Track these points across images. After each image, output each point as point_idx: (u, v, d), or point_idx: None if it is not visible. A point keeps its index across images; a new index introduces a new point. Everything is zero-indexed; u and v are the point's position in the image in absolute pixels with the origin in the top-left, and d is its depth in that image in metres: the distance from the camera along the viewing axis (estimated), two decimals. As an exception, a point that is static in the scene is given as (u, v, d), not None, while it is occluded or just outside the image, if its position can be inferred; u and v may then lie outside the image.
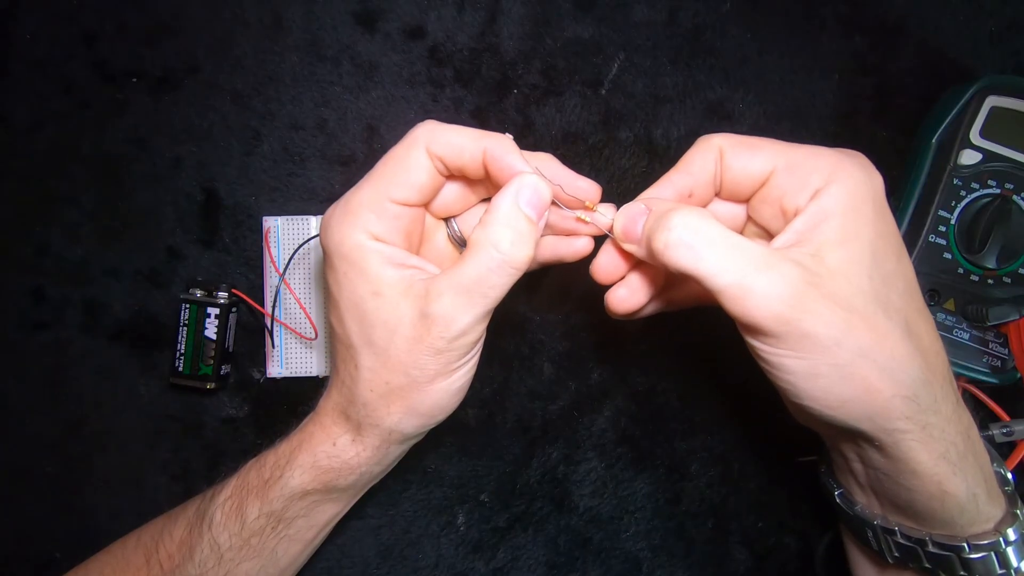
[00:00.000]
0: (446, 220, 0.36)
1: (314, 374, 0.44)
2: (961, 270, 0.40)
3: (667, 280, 0.34)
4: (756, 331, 0.27)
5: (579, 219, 0.34)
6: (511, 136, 0.32)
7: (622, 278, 0.34)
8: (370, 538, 0.44)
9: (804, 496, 0.44)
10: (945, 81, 0.43)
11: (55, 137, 0.44)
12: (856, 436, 0.29)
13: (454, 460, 0.45)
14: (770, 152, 0.31)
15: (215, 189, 0.44)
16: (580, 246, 0.35)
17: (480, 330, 0.32)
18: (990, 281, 0.40)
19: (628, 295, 0.34)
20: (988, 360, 0.40)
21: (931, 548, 0.30)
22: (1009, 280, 0.39)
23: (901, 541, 0.31)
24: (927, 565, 0.31)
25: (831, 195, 0.28)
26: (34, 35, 0.44)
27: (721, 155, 0.31)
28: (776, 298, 0.26)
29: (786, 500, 0.44)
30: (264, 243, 0.43)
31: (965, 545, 0.29)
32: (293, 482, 0.34)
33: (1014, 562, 0.29)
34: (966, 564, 0.29)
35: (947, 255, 0.40)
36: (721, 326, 0.44)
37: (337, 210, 0.32)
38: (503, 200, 0.30)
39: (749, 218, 0.34)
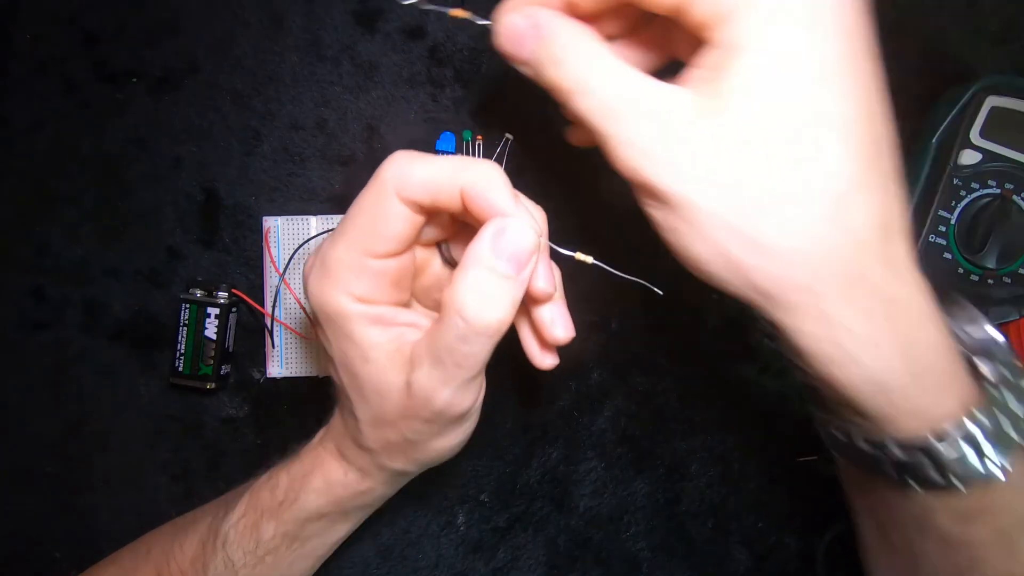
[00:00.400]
0: (437, 245, 0.33)
1: (314, 374, 0.44)
2: (961, 270, 0.40)
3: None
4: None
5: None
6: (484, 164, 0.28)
7: None
8: (370, 538, 0.44)
9: (804, 496, 0.44)
10: (945, 81, 0.43)
11: (55, 137, 0.44)
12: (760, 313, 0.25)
13: (454, 460, 0.44)
14: None
15: (215, 189, 0.44)
16: (559, 337, 0.32)
17: (468, 398, 0.29)
18: (990, 281, 0.40)
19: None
20: (988, 360, 0.40)
21: (869, 448, 0.25)
22: (1009, 280, 0.39)
23: (864, 447, 0.25)
24: (895, 475, 0.25)
25: (751, 18, 0.22)
26: (34, 35, 0.44)
27: None
28: (634, 150, 0.24)
29: (786, 500, 0.44)
30: (264, 243, 0.43)
31: (889, 441, 0.24)
32: (309, 506, 0.34)
33: (991, 453, 0.23)
34: (938, 464, 0.24)
35: (947, 255, 0.40)
36: (721, 325, 0.44)
37: (315, 270, 0.29)
38: (475, 254, 0.26)
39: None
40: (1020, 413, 0.24)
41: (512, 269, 0.26)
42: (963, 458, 0.23)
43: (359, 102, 0.44)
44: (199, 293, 0.42)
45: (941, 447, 0.23)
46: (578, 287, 0.44)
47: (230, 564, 0.34)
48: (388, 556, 0.44)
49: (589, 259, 0.29)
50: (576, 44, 0.26)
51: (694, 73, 0.24)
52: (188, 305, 0.42)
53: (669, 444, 0.45)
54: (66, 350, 0.44)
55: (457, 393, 0.28)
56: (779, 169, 0.23)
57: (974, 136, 0.40)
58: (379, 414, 0.31)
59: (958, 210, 0.40)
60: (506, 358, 0.44)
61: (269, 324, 0.43)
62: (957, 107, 0.40)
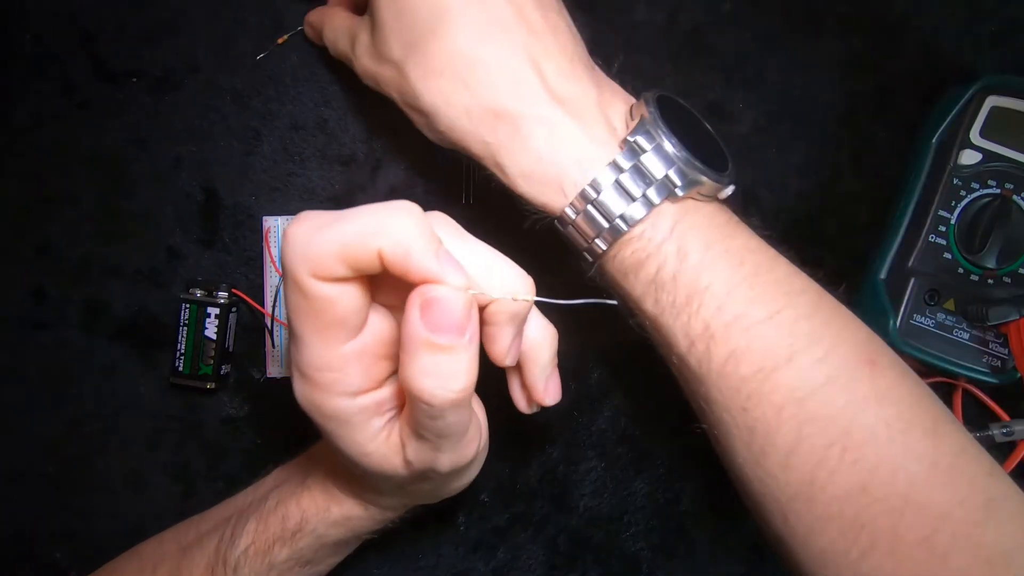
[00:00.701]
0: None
1: (314, 374, 0.44)
2: (961, 270, 0.40)
3: None
4: None
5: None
6: (414, 206, 0.24)
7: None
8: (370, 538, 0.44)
9: (804, 496, 0.44)
10: (945, 81, 0.43)
11: (55, 137, 0.44)
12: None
13: (454, 460, 0.45)
14: None
15: (215, 189, 0.44)
16: (552, 396, 0.33)
17: (469, 449, 0.29)
18: (990, 281, 0.40)
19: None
20: (988, 360, 0.40)
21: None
22: (1009, 280, 0.39)
23: (576, 237, 0.33)
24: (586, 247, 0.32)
25: None
26: (34, 35, 0.44)
27: None
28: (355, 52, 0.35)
29: (786, 500, 0.44)
30: (264, 243, 0.43)
31: (568, 211, 0.31)
32: (327, 537, 0.35)
33: (634, 190, 0.30)
34: (603, 212, 0.30)
35: (947, 255, 0.40)
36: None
37: (297, 381, 0.27)
38: (407, 331, 0.24)
39: None
40: (660, 175, 0.30)
41: (452, 339, 0.23)
42: (613, 200, 0.30)
43: (359, 102, 0.44)
44: (199, 293, 0.42)
45: (569, 211, 0.31)
46: (578, 287, 0.44)
47: None
48: (388, 556, 0.44)
49: (530, 298, 0.29)
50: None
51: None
52: (188, 305, 0.42)
53: (669, 444, 0.45)
54: (66, 350, 0.44)
55: (455, 453, 0.28)
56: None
57: (974, 136, 0.40)
58: (388, 487, 0.32)
59: (958, 210, 0.40)
60: (506, 358, 0.44)
61: (269, 324, 0.43)
62: (957, 107, 0.40)
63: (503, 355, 0.30)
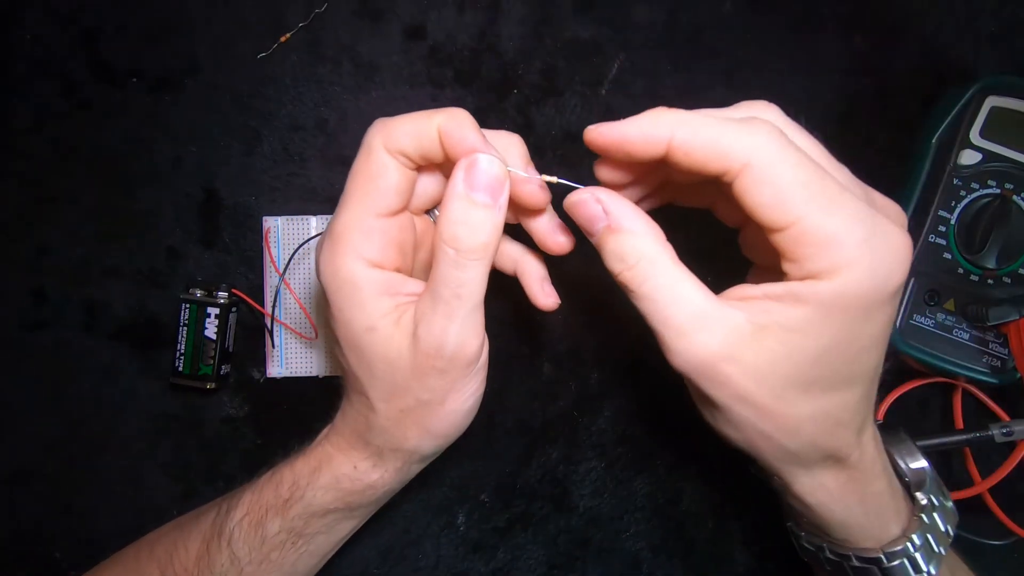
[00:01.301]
0: (428, 212, 0.35)
1: (314, 374, 0.44)
2: (961, 270, 0.40)
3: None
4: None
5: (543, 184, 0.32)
6: (506, 136, 0.31)
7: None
8: (370, 538, 0.44)
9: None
10: (945, 81, 0.43)
11: (55, 137, 0.44)
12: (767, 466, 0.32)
13: (454, 460, 0.45)
14: (794, 206, 0.25)
15: (215, 189, 0.44)
16: (561, 242, 0.34)
17: (474, 337, 0.31)
18: (990, 281, 0.40)
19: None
20: (988, 360, 0.40)
21: (834, 557, 0.34)
22: (1009, 280, 0.39)
23: (830, 556, 0.34)
24: None
25: (822, 291, 0.26)
26: (34, 35, 0.44)
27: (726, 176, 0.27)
28: (689, 360, 0.28)
29: (786, 500, 0.44)
30: (264, 243, 0.43)
31: (851, 554, 0.33)
32: (316, 503, 0.34)
33: (923, 566, 0.32)
34: (885, 572, 0.32)
35: (947, 255, 0.40)
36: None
37: (325, 242, 0.31)
38: (450, 187, 0.29)
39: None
40: (943, 530, 0.33)
41: (488, 197, 0.29)
42: (903, 568, 0.32)
43: (359, 102, 0.44)
44: (199, 293, 0.42)
45: (885, 559, 0.32)
46: (579, 287, 0.44)
47: (236, 561, 0.34)
48: (388, 556, 0.44)
49: (554, 179, 0.32)
50: (643, 249, 0.28)
51: (753, 302, 0.28)
52: (188, 305, 0.42)
53: (669, 444, 0.45)
54: (66, 350, 0.44)
55: (462, 329, 0.30)
56: (800, 400, 0.28)
57: (974, 136, 0.40)
58: (390, 383, 0.31)
59: (958, 210, 0.40)
60: (507, 358, 0.44)
61: (269, 324, 0.43)
62: (957, 107, 0.40)
63: (538, 197, 0.33)
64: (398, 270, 0.32)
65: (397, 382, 0.31)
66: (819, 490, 0.31)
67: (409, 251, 0.33)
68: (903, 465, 0.35)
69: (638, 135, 0.28)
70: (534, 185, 0.32)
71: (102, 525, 0.44)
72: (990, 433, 0.40)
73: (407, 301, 0.31)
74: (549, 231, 0.34)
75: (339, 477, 0.34)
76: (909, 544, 0.32)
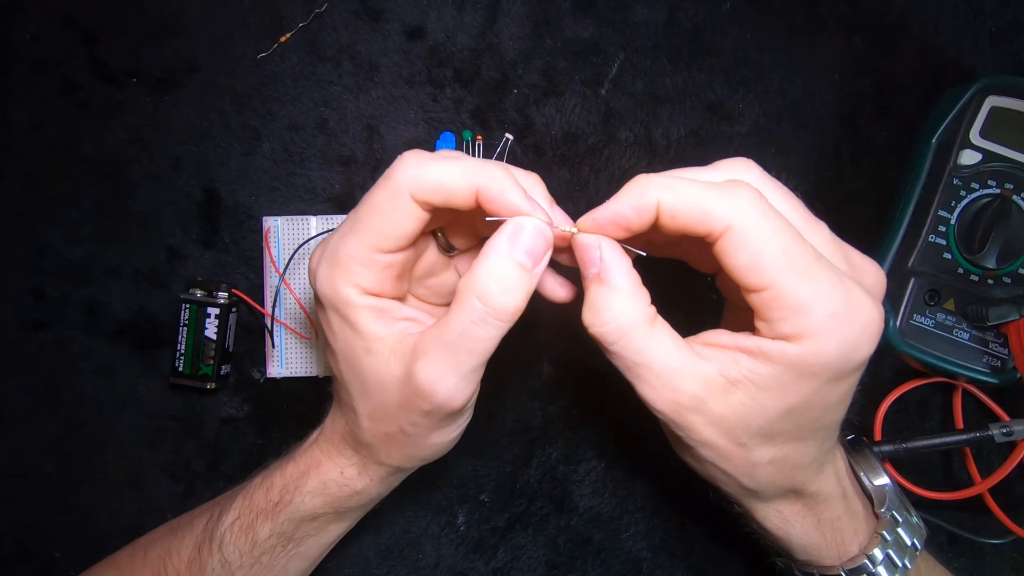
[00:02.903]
0: (432, 232, 0.34)
1: (314, 374, 0.44)
2: (961, 270, 0.40)
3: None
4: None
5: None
6: (527, 176, 0.30)
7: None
8: (370, 538, 0.44)
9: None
10: (945, 81, 0.43)
11: (55, 137, 0.44)
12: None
13: (454, 460, 0.45)
14: (771, 272, 0.26)
15: (215, 189, 0.44)
16: (562, 294, 0.34)
17: (469, 389, 0.30)
18: (990, 281, 0.40)
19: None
20: (988, 360, 0.40)
21: (797, 573, 0.36)
22: (1009, 280, 0.39)
23: (798, 575, 0.36)
24: None
25: (790, 354, 0.27)
26: (34, 35, 0.44)
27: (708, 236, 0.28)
28: (658, 408, 0.29)
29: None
30: (264, 243, 0.43)
31: (816, 574, 0.35)
32: (304, 507, 0.34)
33: None
34: None
35: (947, 255, 0.40)
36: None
37: (324, 262, 0.31)
38: (495, 246, 0.28)
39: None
40: (908, 544, 0.34)
41: (529, 262, 0.28)
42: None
43: (359, 102, 0.44)
44: (199, 293, 0.42)
45: (875, 568, 0.33)
46: (578, 287, 0.44)
47: (227, 565, 0.34)
48: (388, 556, 0.44)
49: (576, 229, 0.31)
50: (620, 309, 0.28)
51: (725, 351, 0.29)
52: (188, 305, 0.42)
53: (669, 444, 0.45)
54: (66, 350, 0.44)
55: (460, 383, 0.29)
56: (762, 447, 0.30)
57: (974, 136, 0.40)
58: (379, 406, 0.31)
59: (958, 210, 0.40)
60: (507, 358, 0.44)
61: (269, 324, 0.43)
62: (957, 107, 0.40)
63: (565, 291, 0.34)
64: (396, 296, 0.32)
65: (385, 406, 0.31)
66: (776, 517, 0.33)
67: (407, 275, 0.33)
68: (867, 483, 0.36)
69: (630, 210, 0.28)
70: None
71: (102, 525, 0.44)
72: (990, 433, 0.40)
73: (403, 328, 0.31)
74: (553, 283, 0.34)
75: (326, 482, 0.34)
76: (868, 561, 0.33)
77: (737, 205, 0.26)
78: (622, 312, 0.28)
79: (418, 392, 0.29)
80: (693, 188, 0.27)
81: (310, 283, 0.32)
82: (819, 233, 0.29)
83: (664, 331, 0.29)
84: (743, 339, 0.28)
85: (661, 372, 0.28)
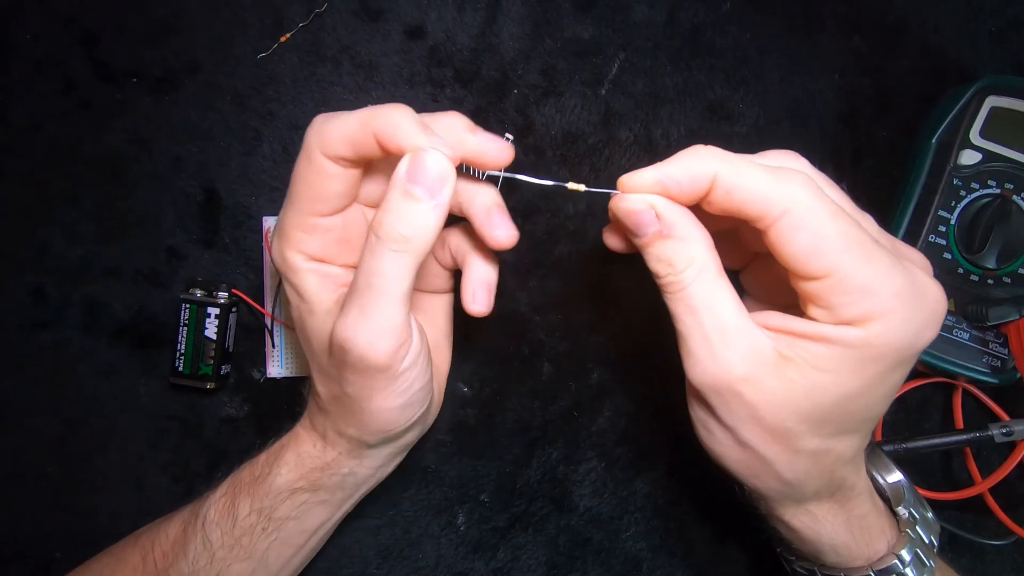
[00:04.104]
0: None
1: (314, 374, 0.44)
2: (961, 270, 0.40)
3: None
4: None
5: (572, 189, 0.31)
6: (445, 116, 0.30)
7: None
8: (370, 538, 0.44)
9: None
10: (945, 81, 0.43)
11: (55, 137, 0.44)
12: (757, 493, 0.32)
13: (454, 460, 0.45)
14: (833, 255, 0.25)
15: (215, 189, 0.44)
16: (501, 237, 0.32)
17: (387, 340, 0.29)
18: (990, 281, 0.40)
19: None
20: (988, 360, 0.40)
21: None
22: (1009, 280, 0.39)
23: None
24: None
25: (854, 338, 0.26)
26: (34, 35, 0.44)
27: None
28: (708, 372, 0.28)
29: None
30: (264, 243, 0.43)
31: (839, 572, 0.34)
32: (280, 479, 0.35)
33: None
34: None
35: (947, 255, 0.40)
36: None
37: (274, 235, 0.32)
38: (392, 178, 0.28)
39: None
40: (927, 541, 0.33)
41: (426, 193, 0.28)
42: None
43: (359, 102, 0.44)
44: (199, 293, 0.42)
45: (904, 569, 0.32)
46: (579, 287, 0.44)
47: (208, 544, 0.34)
48: (388, 556, 0.44)
49: (581, 187, 0.31)
50: (694, 255, 0.28)
51: (778, 334, 0.28)
52: (188, 305, 0.42)
53: (669, 444, 0.45)
54: (66, 350, 0.44)
55: (375, 331, 0.29)
56: (809, 435, 0.28)
57: (974, 136, 0.40)
58: (322, 368, 0.32)
59: (958, 210, 0.40)
60: (507, 357, 0.44)
61: (269, 324, 0.43)
62: (957, 107, 0.40)
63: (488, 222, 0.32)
64: (344, 264, 0.33)
65: (325, 367, 0.32)
66: (805, 515, 0.32)
67: (356, 244, 0.33)
68: (881, 480, 0.36)
69: (684, 175, 0.27)
70: (492, 153, 0.31)
71: (102, 525, 0.44)
72: (990, 433, 0.40)
73: (344, 292, 0.31)
74: (488, 221, 0.32)
75: (301, 454, 0.35)
76: (898, 561, 0.32)
77: (794, 190, 0.26)
78: (697, 256, 0.27)
79: (338, 347, 0.30)
80: (753, 167, 0.26)
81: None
82: (867, 222, 0.28)
83: (730, 288, 0.28)
84: (798, 323, 0.27)
85: (720, 330, 0.27)
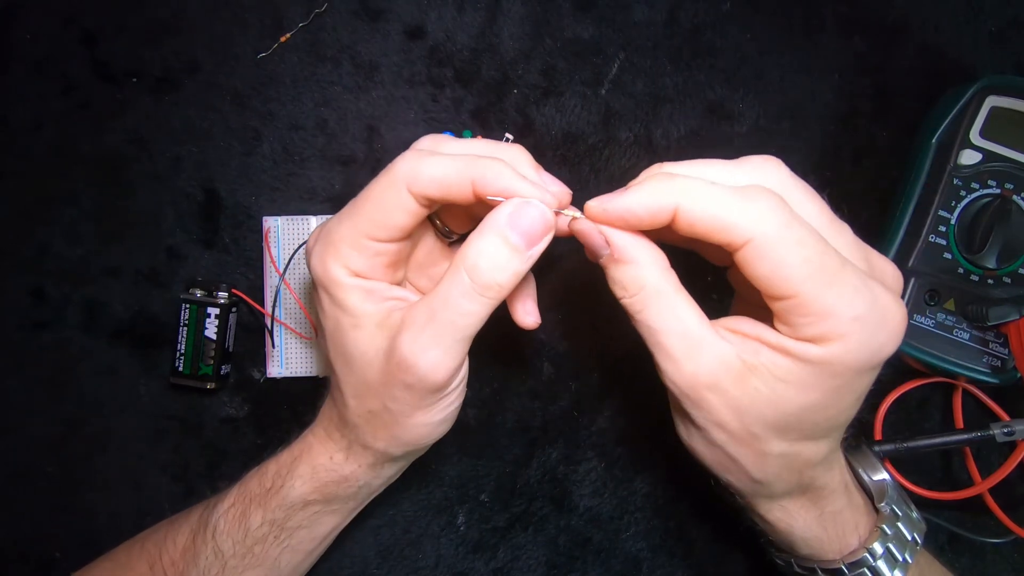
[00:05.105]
0: (430, 218, 0.35)
1: (314, 374, 0.44)
2: (961, 270, 0.40)
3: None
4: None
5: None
6: (510, 148, 0.31)
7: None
8: (370, 538, 0.44)
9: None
10: (945, 81, 0.43)
11: (55, 137, 0.44)
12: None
13: (454, 460, 0.45)
14: (794, 282, 0.26)
15: (215, 189, 0.44)
16: (529, 323, 0.34)
17: (451, 364, 0.30)
18: (990, 281, 0.40)
19: None
20: (988, 360, 0.40)
21: (801, 571, 0.36)
22: (1009, 280, 0.39)
23: (798, 570, 0.36)
24: None
25: (813, 355, 0.27)
26: (34, 35, 0.44)
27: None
28: (677, 382, 0.29)
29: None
30: (264, 243, 0.43)
31: (817, 567, 0.35)
32: (294, 492, 0.35)
33: (887, 574, 0.33)
34: None
35: (947, 255, 0.40)
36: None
37: (319, 242, 0.32)
38: (493, 223, 0.29)
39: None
40: (908, 538, 0.34)
41: (523, 243, 0.29)
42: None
43: (359, 102, 0.44)
44: (199, 293, 0.42)
45: (847, 570, 0.33)
46: (579, 287, 0.44)
47: (219, 554, 0.34)
48: (388, 556, 0.44)
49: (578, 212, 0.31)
50: (644, 279, 0.29)
51: (746, 340, 0.29)
52: (188, 305, 0.42)
53: (669, 444, 0.45)
54: (66, 350, 0.44)
55: (442, 355, 0.30)
56: (774, 440, 0.29)
57: (974, 136, 0.40)
58: (362, 382, 0.32)
59: (958, 210, 0.40)
60: (507, 358, 0.44)
61: (269, 324, 0.43)
62: (957, 107, 0.40)
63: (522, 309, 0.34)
64: (388, 282, 0.32)
65: (368, 382, 0.31)
66: (779, 510, 0.33)
67: (402, 264, 0.34)
68: (866, 478, 0.36)
69: (643, 209, 0.28)
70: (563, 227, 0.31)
71: (102, 525, 0.44)
72: (990, 433, 0.40)
73: (391, 306, 0.31)
74: (523, 307, 0.35)
75: (316, 467, 0.35)
76: (868, 555, 0.33)
77: (759, 217, 0.26)
78: (648, 279, 0.28)
79: (400, 363, 0.30)
80: (714, 196, 0.27)
81: (307, 262, 0.33)
82: (843, 236, 0.29)
83: (688, 302, 0.29)
84: (765, 332, 0.28)
85: (684, 344, 0.28)
